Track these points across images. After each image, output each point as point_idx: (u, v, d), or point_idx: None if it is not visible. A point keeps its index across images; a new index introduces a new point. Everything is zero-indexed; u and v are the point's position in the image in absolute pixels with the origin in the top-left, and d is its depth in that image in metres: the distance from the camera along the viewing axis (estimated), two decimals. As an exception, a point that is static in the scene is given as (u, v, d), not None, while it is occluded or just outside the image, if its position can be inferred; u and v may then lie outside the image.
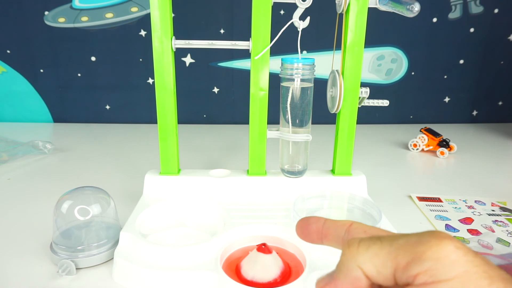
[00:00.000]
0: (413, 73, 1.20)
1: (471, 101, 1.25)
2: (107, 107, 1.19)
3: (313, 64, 0.54)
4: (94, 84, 1.16)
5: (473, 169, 0.83)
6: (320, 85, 0.61)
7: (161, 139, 0.58)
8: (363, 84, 0.56)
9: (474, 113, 1.27)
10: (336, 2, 0.55)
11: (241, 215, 0.51)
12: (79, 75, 1.15)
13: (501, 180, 0.77)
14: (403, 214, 0.61)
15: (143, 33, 1.12)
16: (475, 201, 0.65)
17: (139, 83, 1.16)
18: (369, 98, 0.57)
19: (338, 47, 0.56)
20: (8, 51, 1.12)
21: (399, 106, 1.23)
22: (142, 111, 1.19)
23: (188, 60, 1.14)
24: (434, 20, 1.14)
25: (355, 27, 0.54)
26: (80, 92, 1.17)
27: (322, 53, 1.12)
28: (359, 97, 0.57)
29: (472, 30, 1.16)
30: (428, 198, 0.66)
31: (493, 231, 0.55)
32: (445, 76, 1.21)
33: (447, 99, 1.24)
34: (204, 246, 0.44)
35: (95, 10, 1.10)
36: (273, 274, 0.40)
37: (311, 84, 0.55)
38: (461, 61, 1.19)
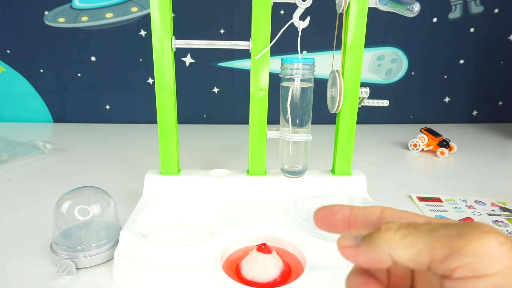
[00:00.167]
0: (413, 73, 1.20)
1: (471, 101, 1.25)
2: (107, 107, 1.19)
3: (313, 64, 0.54)
4: (94, 84, 1.16)
5: (473, 169, 0.83)
6: (320, 85, 0.61)
7: (161, 139, 0.58)
8: (363, 84, 0.56)
9: (474, 113, 1.27)
10: (336, 2, 0.55)
11: (241, 215, 0.51)
12: (79, 75, 1.15)
13: (501, 180, 0.77)
14: (403, 214, 0.61)
15: (143, 33, 1.12)
16: (475, 201, 0.65)
17: (139, 83, 1.16)
18: (369, 98, 0.57)
19: (338, 47, 0.56)
20: (8, 51, 1.12)
21: (399, 106, 1.23)
22: (142, 111, 1.19)
23: (188, 60, 1.14)
24: (434, 20, 1.14)
25: (355, 27, 0.54)
26: (80, 92, 1.17)
27: (322, 53, 1.12)
28: (359, 97, 0.57)
29: (472, 30, 1.16)
30: (428, 198, 0.66)
31: (493, 231, 0.55)
32: (445, 76, 1.21)
33: (447, 99, 1.24)
34: (204, 246, 0.44)
35: (95, 10, 1.10)
36: (273, 274, 0.40)
37: (311, 84, 0.55)
38: (461, 61, 1.19)
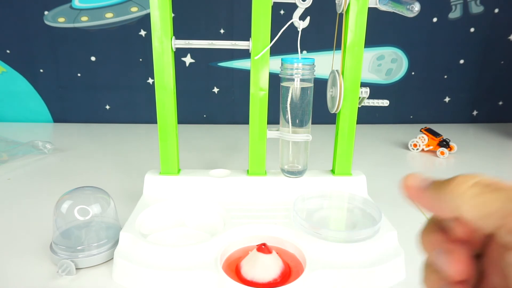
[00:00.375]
0: (413, 73, 1.20)
1: (471, 101, 1.25)
2: (107, 107, 1.19)
3: (313, 64, 0.54)
4: (94, 84, 1.16)
5: (473, 169, 0.83)
6: (320, 85, 0.61)
7: (161, 139, 0.58)
8: (363, 84, 0.56)
9: (474, 113, 1.27)
10: (336, 2, 0.55)
11: (241, 215, 0.51)
12: (79, 75, 1.15)
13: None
14: (403, 214, 0.61)
15: (143, 33, 1.12)
16: (475, 201, 0.65)
17: (139, 83, 1.16)
18: (369, 98, 0.57)
19: (338, 47, 0.56)
20: (8, 51, 1.12)
21: (399, 106, 1.23)
22: (142, 111, 1.19)
23: (188, 60, 1.14)
24: (434, 20, 1.14)
25: (355, 27, 0.54)
26: (80, 92, 1.17)
27: (322, 53, 1.12)
28: (359, 97, 0.57)
29: (472, 30, 1.16)
30: (428, 198, 0.66)
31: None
32: (445, 76, 1.21)
33: (447, 99, 1.24)
34: (204, 246, 0.44)
35: (95, 10, 1.10)
36: (273, 274, 0.40)
37: (311, 84, 0.55)
38: (461, 61, 1.19)
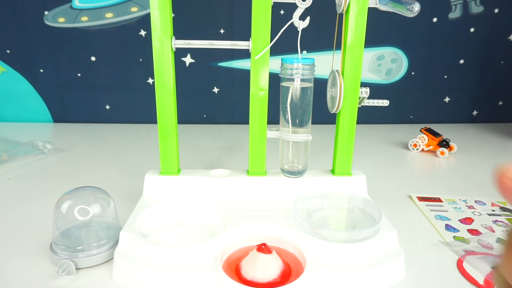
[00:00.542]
0: (413, 73, 1.20)
1: (471, 101, 1.25)
2: (107, 107, 1.19)
3: (313, 64, 0.54)
4: (94, 84, 1.16)
5: (473, 169, 0.83)
6: (320, 85, 0.61)
7: (161, 139, 0.58)
8: (363, 84, 0.56)
9: (474, 113, 1.27)
10: (336, 2, 0.55)
11: (241, 215, 0.51)
12: (79, 75, 1.15)
13: (501, 180, 0.77)
14: (403, 214, 0.61)
15: (143, 33, 1.12)
16: (475, 201, 0.65)
17: (139, 83, 1.16)
18: (369, 98, 0.57)
19: (338, 47, 0.56)
20: (8, 51, 1.12)
21: (399, 106, 1.23)
22: (142, 111, 1.19)
23: (188, 60, 1.14)
24: (434, 20, 1.14)
25: (355, 27, 0.54)
26: (80, 92, 1.17)
27: (322, 53, 1.12)
28: (359, 97, 0.57)
29: (472, 30, 1.16)
30: (428, 198, 0.66)
31: (493, 231, 0.55)
32: (445, 76, 1.21)
33: (447, 99, 1.24)
34: (204, 246, 0.44)
35: (95, 10, 1.10)
36: (273, 274, 0.40)
37: (311, 84, 0.55)
38: (461, 61, 1.19)
